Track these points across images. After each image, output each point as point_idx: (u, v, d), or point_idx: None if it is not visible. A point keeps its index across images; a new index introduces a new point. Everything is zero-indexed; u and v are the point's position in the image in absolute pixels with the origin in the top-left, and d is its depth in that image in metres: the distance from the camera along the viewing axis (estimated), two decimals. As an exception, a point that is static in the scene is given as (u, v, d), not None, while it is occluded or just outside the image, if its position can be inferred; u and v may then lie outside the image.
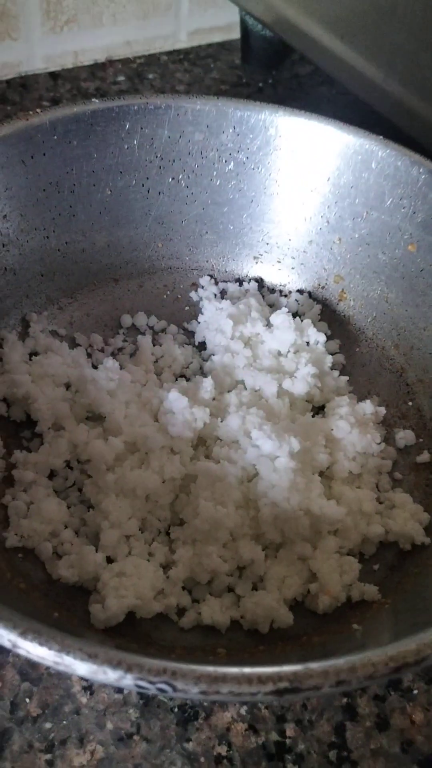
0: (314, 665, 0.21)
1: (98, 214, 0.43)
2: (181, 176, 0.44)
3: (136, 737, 0.31)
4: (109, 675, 0.20)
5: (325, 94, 0.70)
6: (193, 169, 0.43)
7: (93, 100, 0.40)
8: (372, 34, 0.52)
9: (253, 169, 0.44)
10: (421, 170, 0.40)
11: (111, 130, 0.41)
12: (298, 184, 0.44)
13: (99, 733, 0.31)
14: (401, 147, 0.41)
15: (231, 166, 0.43)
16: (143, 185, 0.43)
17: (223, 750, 0.31)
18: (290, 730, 0.32)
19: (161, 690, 0.20)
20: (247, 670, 0.21)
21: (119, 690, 0.32)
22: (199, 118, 0.42)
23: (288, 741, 0.32)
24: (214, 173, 0.44)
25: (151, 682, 0.20)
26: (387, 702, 0.33)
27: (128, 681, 0.20)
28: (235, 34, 0.73)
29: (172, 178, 0.44)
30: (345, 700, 0.33)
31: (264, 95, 0.69)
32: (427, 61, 0.49)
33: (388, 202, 0.41)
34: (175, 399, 0.36)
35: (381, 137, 0.41)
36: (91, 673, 0.20)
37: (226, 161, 0.43)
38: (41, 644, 0.20)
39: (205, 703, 0.32)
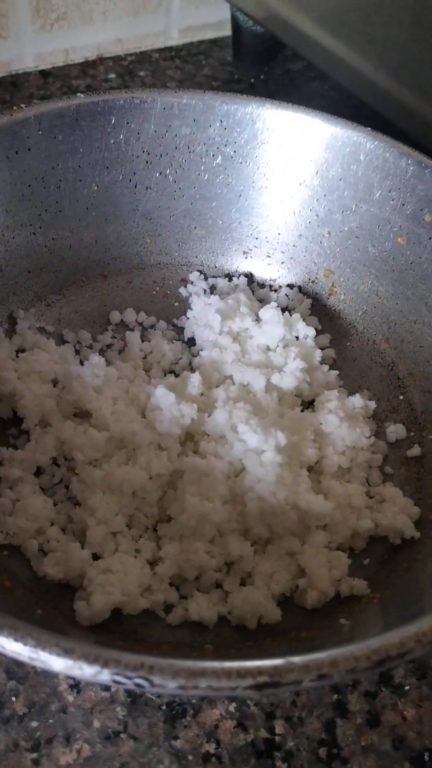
0: (295, 659, 0.21)
1: (85, 210, 0.43)
2: (168, 171, 0.43)
3: (123, 735, 0.31)
4: (85, 670, 0.20)
5: (317, 89, 0.69)
6: (180, 164, 0.43)
7: (78, 94, 0.40)
8: (362, 28, 0.51)
9: (241, 163, 0.43)
10: (409, 162, 0.39)
11: (97, 124, 0.41)
12: (286, 178, 0.43)
13: (86, 731, 0.31)
14: (389, 139, 0.40)
15: (219, 160, 0.43)
16: (130, 180, 0.43)
17: (211, 747, 0.31)
18: (279, 727, 0.32)
19: (138, 685, 0.20)
20: (226, 664, 0.20)
21: (106, 688, 0.32)
22: (185, 112, 0.41)
23: (277, 738, 0.32)
24: (202, 168, 0.43)
25: (128, 677, 0.20)
26: (378, 698, 0.33)
27: (105, 676, 0.20)
28: (227, 31, 0.73)
29: (160, 173, 0.43)
30: (335, 696, 0.33)
31: (255, 91, 0.68)
32: (417, 53, 0.48)
33: (377, 194, 0.41)
34: (163, 395, 0.35)
35: (369, 129, 0.41)
36: (67, 669, 0.20)
37: (213, 155, 0.43)
38: (16, 639, 0.20)
39: (194, 701, 0.32)
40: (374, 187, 0.41)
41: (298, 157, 0.42)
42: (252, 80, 0.70)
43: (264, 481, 0.32)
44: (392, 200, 0.40)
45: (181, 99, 0.41)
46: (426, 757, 0.32)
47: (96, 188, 0.42)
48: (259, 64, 0.72)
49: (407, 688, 0.33)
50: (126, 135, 0.42)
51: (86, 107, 0.40)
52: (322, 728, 0.32)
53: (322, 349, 0.43)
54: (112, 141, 0.41)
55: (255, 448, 0.33)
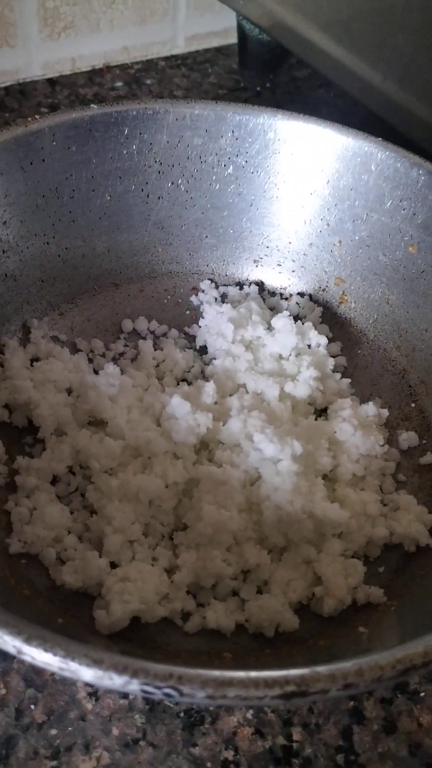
0: (321, 669, 0.21)
1: (98, 220, 0.43)
2: (180, 181, 0.44)
3: (142, 743, 0.31)
4: (115, 680, 0.20)
5: (323, 97, 0.70)
6: (192, 174, 0.43)
7: (91, 105, 0.40)
8: (370, 36, 0.52)
9: (253, 172, 0.44)
10: (420, 171, 0.40)
11: (110, 135, 0.41)
12: (297, 187, 0.44)
13: (105, 739, 0.31)
14: (400, 149, 0.41)
15: (230, 170, 0.44)
16: (143, 190, 0.43)
17: (229, 755, 0.31)
18: (297, 734, 0.32)
19: (168, 695, 0.20)
20: (253, 674, 0.21)
21: (125, 695, 0.32)
22: (197, 123, 0.42)
23: (295, 745, 0.32)
24: (214, 177, 0.44)
25: (157, 687, 0.20)
26: (394, 705, 0.33)
27: (134, 686, 0.20)
28: (233, 39, 0.73)
29: (172, 183, 0.44)
30: (352, 703, 0.33)
31: (262, 99, 0.69)
32: (424, 62, 0.49)
33: (388, 203, 0.41)
34: (178, 404, 0.36)
35: (380, 139, 0.41)
36: (97, 679, 0.20)
37: (225, 165, 0.43)
38: (46, 650, 0.20)
39: (211, 708, 0.32)
40: (385, 196, 0.41)
41: (309, 167, 0.43)
42: (258, 88, 0.70)
43: (281, 489, 0.32)
44: (403, 210, 0.41)
45: (193, 110, 0.42)
46: (442, 763, 0.32)
47: (109, 198, 0.43)
48: (265, 72, 0.72)
49: (423, 694, 0.34)
50: (139, 145, 0.42)
51: (100, 118, 0.40)
52: (339, 735, 0.32)
53: (333, 357, 0.43)
54: (125, 151, 0.42)
55: (271, 456, 0.33)
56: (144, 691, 0.20)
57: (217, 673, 0.20)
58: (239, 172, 0.44)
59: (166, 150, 0.42)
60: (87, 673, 0.20)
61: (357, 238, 0.43)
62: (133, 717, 0.32)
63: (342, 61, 0.54)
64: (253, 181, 0.44)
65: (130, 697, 0.32)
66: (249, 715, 0.32)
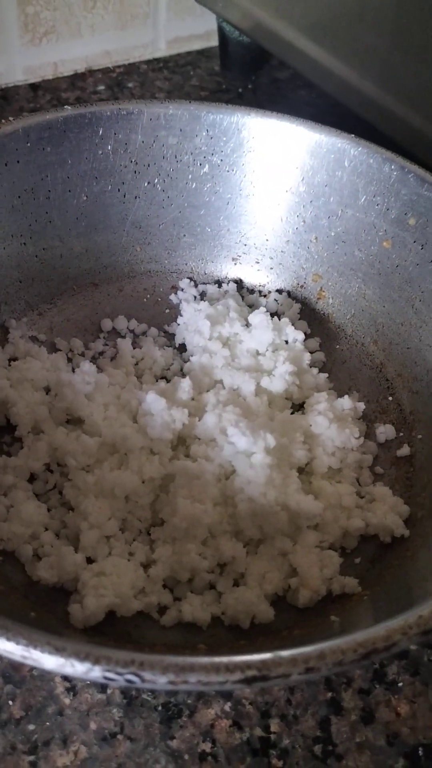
0: (283, 653, 0.21)
1: (75, 220, 0.43)
2: (156, 180, 0.44)
3: (119, 737, 0.31)
4: (76, 668, 0.20)
5: (304, 97, 0.70)
6: (168, 173, 0.44)
7: (65, 107, 0.40)
8: (346, 36, 0.52)
9: (228, 171, 0.44)
10: (392, 167, 0.40)
11: (84, 136, 0.41)
12: (273, 185, 0.44)
13: (82, 733, 0.31)
14: (373, 144, 0.41)
15: (206, 168, 0.44)
16: (119, 190, 0.44)
17: (207, 747, 0.31)
18: (275, 725, 0.32)
19: (129, 681, 0.20)
20: (216, 659, 0.21)
21: (102, 690, 0.32)
22: (172, 123, 0.42)
23: (272, 736, 0.32)
24: (190, 176, 0.44)
25: (118, 674, 0.20)
26: (372, 695, 0.33)
27: (96, 673, 0.20)
28: (214, 42, 0.74)
29: (148, 183, 0.44)
30: (329, 694, 0.33)
31: (244, 101, 0.69)
32: (399, 60, 0.49)
33: (362, 199, 0.42)
34: (153, 401, 0.36)
35: (353, 135, 0.41)
36: (59, 667, 0.20)
37: (200, 164, 0.44)
38: (8, 639, 0.20)
39: (189, 701, 0.32)
40: (359, 192, 0.42)
41: (283, 164, 0.43)
42: (240, 90, 0.71)
43: (254, 482, 0.33)
44: (377, 205, 0.41)
45: (167, 110, 0.42)
46: (420, 752, 0.32)
47: (85, 198, 0.43)
48: (247, 74, 0.72)
49: (401, 684, 0.34)
50: (114, 146, 0.42)
51: (74, 119, 0.40)
52: (317, 726, 0.32)
53: (311, 352, 0.44)
54: (100, 152, 0.42)
55: (244, 450, 0.34)
56: (106, 678, 0.20)
57: (179, 659, 0.21)
58: (215, 170, 0.44)
59: (142, 150, 0.43)
60: (49, 661, 0.20)
61: (333, 234, 0.43)
62: (111, 711, 0.32)
63: (320, 61, 0.55)
64: (229, 179, 0.44)
65: (108, 691, 0.33)
66: (227, 707, 0.32)
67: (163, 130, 0.42)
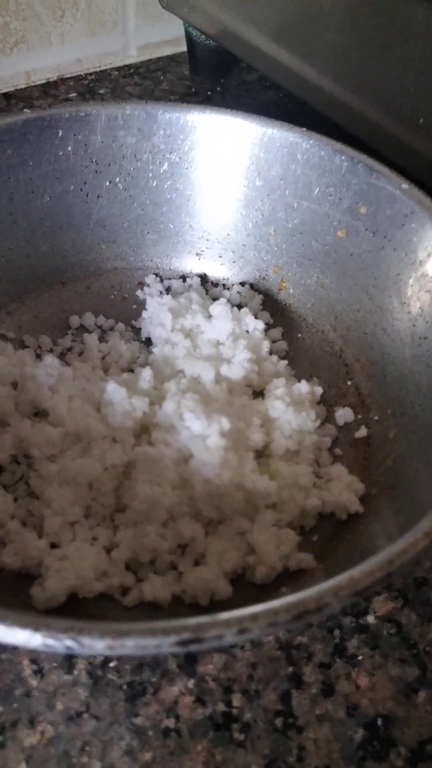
0: (218, 616, 0.22)
1: (39, 220, 0.44)
2: (118, 179, 0.45)
3: (85, 715, 0.32)
4: (18, 636, 0.21)
5: (273, 98, 0.72)
6: (129, 172, 0.45)
7: (24, 110, 0.41)
8: (303, 35, 0.54)
9: (187, 168, 0.45)
10: (343, 158, 0.41)
11: (44, 138, 0.42)
12: (230, 180, 0.45)
13: (49, 713, 0.32)
14: (324, 137, 0.42)
15: (165, 166, 0.45)
16: (81, 190, 0.45)
17: (171, 723, 0.32)
18: (237, 700, 0.33)
19: (69, 647, 0.21)
20: (152, 624, 0.22)
21: (69, 671, 0.33)
22: (129, 122, 0.43)
23: (235, 711, 0.33)
24: (150, 175, 0.45)
25: (58, 639, 0.21)
26: (332, 669, 0.34)
27: (37, 640, 0.21)
28: (184, 47, 0.75)
29: (110, 182, 0.45)
30: (291, 669, 0.34)
31: (213, 103, 0.71)
32: (354, 57, 0.50)
33: (316, 191, 0.43)
34: (113, 390, 0.37)
35: (304, 129, 0.43)
36: (1, 637, 0.21)
37: (160, 162, 0.45)
38: None
39: (154, 679, 0.33)
40: (313, 184, 0.43)
41: (239, 159, 0.44)
42: (209, 92, 0.72)
43: (209, 464, 0.34)
44: (330, 196, 0.42)
45: (124, 110, 0.43)
46: (379, 722, 0.33)
47: (48, 199, 0.44)
48: (216, 77, 0.74)
49: (360, 657, 0.35)
50: (74, 147, 0.43)
51: (33, 122, 0.42)
52: (278, 700, 0.33)
53: (274, 342, 0.45)
54: (60, 153, 0.43)
55: (200, 434, 0.35)
56: (46, 645, 0.21)
57: (116, 624, 0.22)
58: (174, 168, 0.45)
59: (102, 150, 0.44)
60: (-9, 629, 0.21)
61: (290, 226, 0.45)
62: (77, 691, 0.33)
63: (280, 60, 0.56)
64: (189, 176, 0.45)
65: (75, 672, 0.33)
66: (190, 684, 0.33)
67: (122, 130, 0.44)
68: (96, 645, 0.21)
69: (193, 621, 0.22)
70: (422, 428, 0.35)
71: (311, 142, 0.42)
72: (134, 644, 0.21)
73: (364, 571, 0.23)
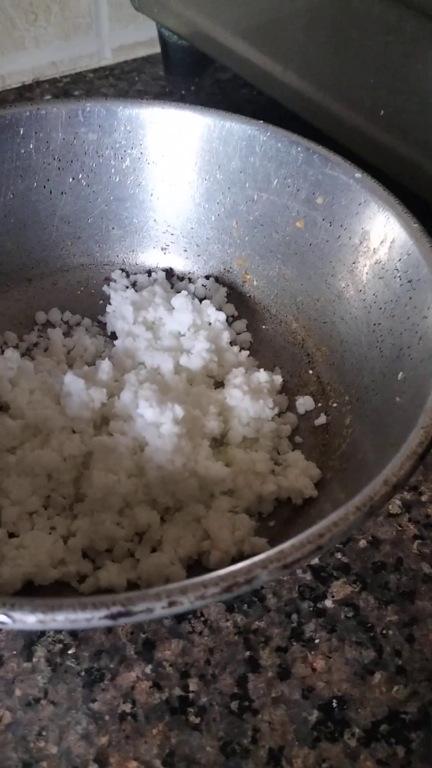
0: (149, 590, 0.22)
1: (3, 218, 0.45)
2: (80, 176, 0.46)
3: (43, 701, 0.33)
4: None
5: (246, 96, 0.72)
6: (91, 168, 0.46)
7: (-16, 109, 0.42)
8: (269, 33, 0.54)
9: (149, 163, 0.46)
10: (299, 149, 0.42)
11: (6, 136, 0.43)
12: (192, 175, 0.46)
13: (7, 700, 0.33)
14: (280, 129, 0.43)
15: (127, 162, 0.46)
16: (45, 187, 0.45)
17: (127, 708, 0.33)
18: (193, 684, 0.33)
19: (1, 622, 0.22)
20: (84, 598, 0.22)
21: (28, 659, 0.34)
22: (90, 119, 0.44)
23: (191, 695, 0.33)
24: (113, 170, 0.46)
25: (-10, 615, 0.22)
26: (289, 652, 0.35)
27: (-30, 616, 0.22)
28: (158, 48, 0.76)
29: (73, 178, 0.46)
30: (248, 653, 0.34)
31: (187, 102, 0.71)
32: (316, 52, 0.51)
33: (275, 183, 0.43)
34: (71, 381, 0.37)
35: (261, 122, 0.43)
36: None
37: (122, 158, 0.46)
38: None
39: (112, 665, 0.34)
40: (271, 176, 0.43)
41: (199, 153, 0.45)
42: (183, 92, 0.73)
43: (162, 450, 0.34)
44: (288, 187, 0.43)
45: (84, 107, 0.44)
46: (334, 704, 0.33)
47: (12, 196, 0.45)
48: (190, 76, 0.75)
49: (317, 641, 0.35)
50: (36, 144, 0.44)
51: (-7, 121, 0.42)
52: (235, 683, 0.33)
53: (239, 333, 0.45)
54: (22, 151, 0.44)
55: (154, 421, 0.35)
56: (-22, 620, 0.22)
57: (48, 600, 0.22)
58: (136, 163, 0.46)
59: (63, 147, 0.45)
60: None
61: (251, 218, 0.45)
62: (36, 678, 0.33)
63: (248, 57, 0.57)
64: (151, 171, 0.46)
65: (34, 660, 0.34)
66: (148, 669, 0.34)
67: (82, 126, 0.44)
68: (27, 619, 0.22)
69: (123, 595, 0.22)
70: (374, 412, 0.35)
71: (268, 134, 0.43)
72: (65, 617, 0.22)
73: (294, 544, 0.24)
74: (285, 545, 0.24)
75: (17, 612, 0.22)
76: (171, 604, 0.22)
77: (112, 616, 0.22)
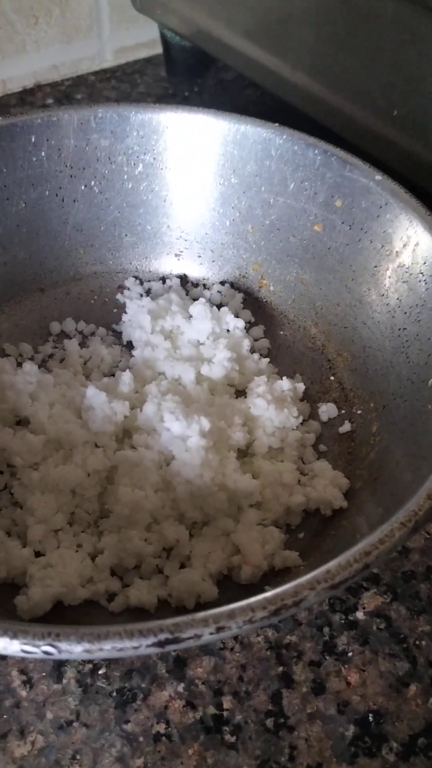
0: (197, 615, 0.22)
1: (16, 227, 0.44)
2: (93, 183, 0.45)
3: (75, 724, 0.32)
4: (-6, 643, 0.21)
5: (251, 96, 0.72)
6: (104, 175, 0.45)
7: (-5, 117, 0.41)
8: (276, 32, 0.54)
9: (162, 169, 0.45)
10: (316, 152, 0.41)
11: (17, 144, 0.42)
12: (206, 179, 0.45)
13: (39, 723, 0.32)
14: (296, 132, 0.42)
15: (140, 168, 0.45)
16: (57, 195, 0.45)
17: (161, 728, 0.32)
18: (227, 702, 0.33)
19: (47, 653, 0.21)
20: (130, 625, 0.21)
21: (58, 680, 0.33)
22: (102, 125, 0.43)
23: (225, 713, 0.32)
24: (125, 177, 0.45)
25: (36, 645, 0.21)
26: (322, 666, 0.34)
27: (15, 647, 0.21)
28: (160, 49, 0.75)
29: (85, 186, 0.45)
30: (281, 668, 0.34)
31: (191, 103, 0.71)
32: (327, 52, 0.50)
33: (291, 186, 0.43)
34: (93, 395, 0.37)
35: (277, 125, 0.43)
36: (-23, 644, 0.21)
37: (134, 164, 0.45)
38: None
39: (143, 684, 0.33)
40: (288, 179, 0.43)
41: (214, 157, 0.44)
42: (186, 93, 0.72)
43: (190, 465, 0.33)
44: (305, 190, 0.42)
45: (96, 113, 0.43)
46: (370, 718, 0.33)
47: (24, 205, 0.44)
48: (193, 77, 0.74)
49: (350, 654, 0.34)
50: (47, 152, 0.43)
51: (4, 129, 0.41)
52: (269, 700, 0.33)
53: (256, 340, 0.45)
54: (34, 159, 0.43)
55: (180, 435, 0.34)
56: (24, 651, 0.21)
57: (94, 627, 0.21)
58: (149, 169, 0.45)
59: (75, 154, 0.44)
60: (-32, 639, 0.21)
61: (267, 222, 0.44)
62: (67, 700, 0.33)
63: (254, 57, 0.56)
64: (164, 176, 0.45)
65: (64, 681, 0.33)
66: (180, 688, 0.33)
67: (95, 133, 0.43)
68: (74, 649, 0.21)
69: (170, 621, 0.21)
70: (403, 419, 0.35)
71: (284, 137, 0.42)
72: (112, 647, 0.21)
73: (341, 563, 0.23)
74: (331, 564, 0.23)
75: (63, 642, 0.21)
76: (219, 629, 0.21)
77: (160, 644, 0.21)
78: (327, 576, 0.23)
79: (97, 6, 0.70)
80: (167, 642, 0.21)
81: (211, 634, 0.21)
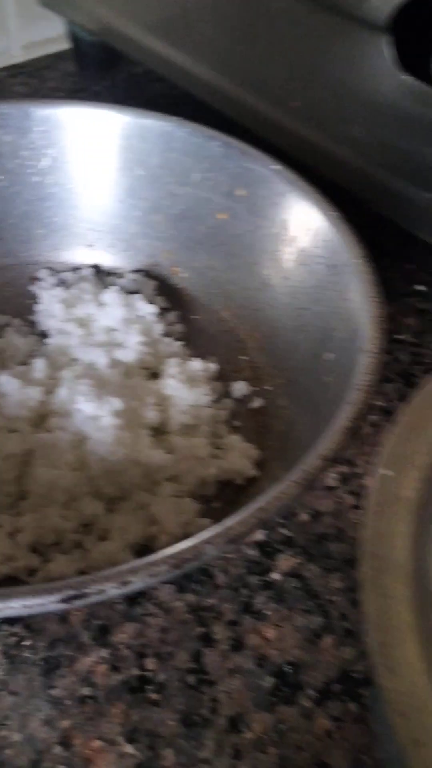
0: (101, 572, 0.23)
1: None
2: (0, 177, 0.46)
3: (2, 692, 0.33)
4: None
5: (160, 89, 0.73)
6: (10, 169, 0.46)
7: None
8: (178, 26, 0.55)
9: (68, 163, 0.46)
10: (217, 143, 0.43)
11: None
12: (113, 171, 0.46)
13: (-34, 696, 0.33)
14: (198, 125, 0.44)
15: (45, 162, 0.46)
16: (-37, 189, 0.45)
17: (87, 691, 0.33)
18: (150, 663, 0.35)
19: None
20: (38, 585, 0.23)
21: (-16, 656, 0.34)
22: (5, 121, 0.44)
23: (149, 674, 0.34)
24: (31, 171, 0.46)
25: None
26: (241, 625, 0.36)
27: None
28: (70, 44, 0.75)
29: (-8, 180, 0.46)
30: (201, 629, 0.36)
31: (101, 98, 0.71)
32: (226, 45, 0.52)
33: (196, 177, 0.45)
34: (6, 382, 0.38)
35: (179, 118, 0.44)
36: None
37: (40, 159, 0.46)
38: None
39: (68, 652, 0.34)
40: (191, 170, 0.44)
41: (120, 151, 0.46)
42: (96, 88, 0.73)
43: (103, 443, 0.35)
44: (209, 181, 0.44)
45: (-1, 109, 0.44)
46: (287, 669, 0.35)
47: None
48: (104, 72, 0.75)
49: (267, 612, 0.37)
50: None
51: None
52: (190, 659, 0.35)
53: (171, 324, 0.46)
54: None
55: (92, 415, 0.36)
56: None
57: (3, 588, 0.23)
58: (55, 163, 0.46)
59: (-20, 149, 0.45)
60: None
61: (175, 212, 0.46)
62: (-7, 672, 0.34)
63: (159, 51, 0.58)
64: (70, 170, 0.46)
65: (-10, 657, 0.34)
66: (104, 653, 0.35)
67: (-1, 129, 0.44)
68: (-16, 609, 0.22)
69: (75, 579, 0.23)
70: (306, 392, 0.37)
71: (186, 130, 0.44)
72: (20, 604, 0.22)
73: (238, 520, 0.25)
74: (229, 521, 0.25)
75: (-27, 604, 0.22)
76: (123, 584, 0.23)
77: (67, 599, 0.23)
78: (224, 531, 0.25)
79: (2, 1, 0.70)
80: (73, 597, 0.23)
81: (114, 588, 0.23)
